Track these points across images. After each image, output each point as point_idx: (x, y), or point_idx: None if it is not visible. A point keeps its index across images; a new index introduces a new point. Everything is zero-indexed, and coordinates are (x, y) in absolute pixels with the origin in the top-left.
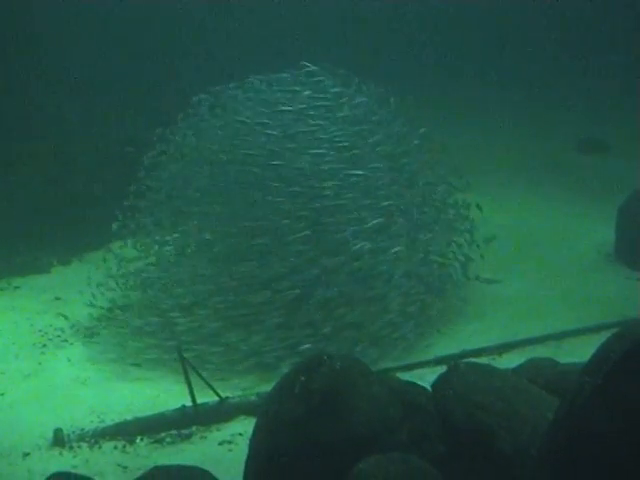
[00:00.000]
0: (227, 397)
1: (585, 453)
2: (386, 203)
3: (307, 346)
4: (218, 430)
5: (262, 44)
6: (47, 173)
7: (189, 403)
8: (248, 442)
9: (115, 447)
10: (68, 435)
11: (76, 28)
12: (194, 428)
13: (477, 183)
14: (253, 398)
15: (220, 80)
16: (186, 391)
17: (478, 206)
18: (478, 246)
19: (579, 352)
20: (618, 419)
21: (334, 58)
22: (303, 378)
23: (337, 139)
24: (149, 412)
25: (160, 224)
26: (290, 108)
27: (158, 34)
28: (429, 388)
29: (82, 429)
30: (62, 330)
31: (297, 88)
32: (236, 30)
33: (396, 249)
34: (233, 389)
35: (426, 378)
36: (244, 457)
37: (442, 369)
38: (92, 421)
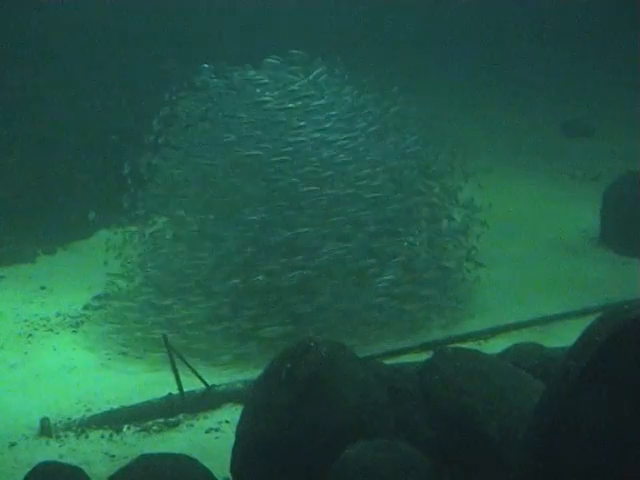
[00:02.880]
0: (214, 385)
1: (570, 437)
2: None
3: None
4: (205, 418)
5: (251, 31)
6: (30, 161)
7: (176, 391)
8: (235, 429)
9: (102, 436)
10: (55, 424)
11: (59, 13)
12: (181, 416)
13: (462, 167)
14: (240, 386)
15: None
16: (173, 379)
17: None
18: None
19: (565, 336)
20: (603, 402)
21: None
22: (289, 365)
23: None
24: (136, 400)
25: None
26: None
27: (144, 20)
28: None
29: (69, 418)
30: (48, 319)
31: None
32: (223, 16)
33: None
34: (220, 377)
35: None
36: (231, 444)
37: (428, 355)
38: (79, 410)
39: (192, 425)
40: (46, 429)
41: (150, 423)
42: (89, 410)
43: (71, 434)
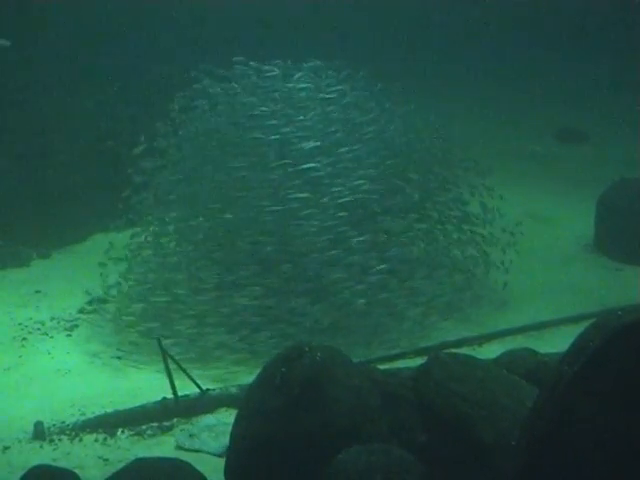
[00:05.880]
0: (208, 389)
1: (563, 441)
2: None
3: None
4: (199, 422)
5: (246, 33)
6: (25, 166)
7: (170, 395)
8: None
9: (96, 440)
10: (49, 428)
11: (52, 18)
12: (175, 420)
13: (457, 173)
14: (234, 390)
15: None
16: (167, 383)
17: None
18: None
19: (559, 342)
20: (596, 407)
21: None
22: (284, 369)
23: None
24: (130, 404)
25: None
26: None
27: (138, 25)
28: None
29: (63, 422)
30: (42, 323)
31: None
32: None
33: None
34: (214, 381)
35: None
36: None
37: (423, 360)
38: (73, 414)
39: (186, 429)
40: (40, 433)
41: (144, 427)
42: (83, 414)
43: (65, 438)
